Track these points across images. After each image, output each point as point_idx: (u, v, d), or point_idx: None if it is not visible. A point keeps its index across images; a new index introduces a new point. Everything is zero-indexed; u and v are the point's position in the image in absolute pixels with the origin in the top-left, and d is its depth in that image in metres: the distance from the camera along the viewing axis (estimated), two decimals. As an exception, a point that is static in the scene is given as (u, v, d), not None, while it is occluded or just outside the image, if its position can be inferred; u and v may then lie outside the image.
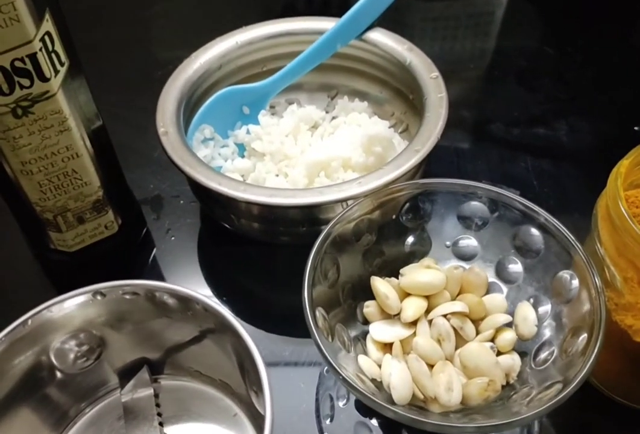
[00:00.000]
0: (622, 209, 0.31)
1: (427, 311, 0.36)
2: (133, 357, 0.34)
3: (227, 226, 0.44)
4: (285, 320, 0.42)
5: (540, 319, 0.36)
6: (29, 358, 0.30)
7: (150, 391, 0.34)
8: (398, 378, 0.33)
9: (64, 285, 0.44)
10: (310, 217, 0.40)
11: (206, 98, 0.47)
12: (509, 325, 0.36)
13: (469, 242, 0.39)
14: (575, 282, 0.34)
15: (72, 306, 0.30)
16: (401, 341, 0.36)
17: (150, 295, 0.31)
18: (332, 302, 0.36)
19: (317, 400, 0.39)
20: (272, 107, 0.50)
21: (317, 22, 0.49)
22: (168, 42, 0.64)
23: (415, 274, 0.37)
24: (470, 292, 0.38)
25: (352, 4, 0.46)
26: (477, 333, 0.36)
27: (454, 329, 0.36)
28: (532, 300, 0.37)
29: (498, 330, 0.36)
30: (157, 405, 0.34)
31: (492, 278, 0.38)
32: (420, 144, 0.40)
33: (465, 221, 0.39)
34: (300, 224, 0.41)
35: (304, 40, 0.48)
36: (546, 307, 0.36)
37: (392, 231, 0.39)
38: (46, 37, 0.32)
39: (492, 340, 0.36)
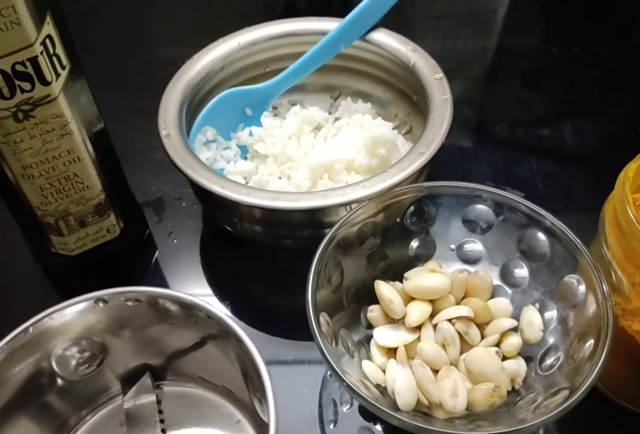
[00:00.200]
0: (630, 214, 0.30)
1: (432, 315, 0.36)
2: (135, 363, 0.34)
3: (229, 229, 0.44)
4: (289, 323, 0.41)
5: (546, 324, 0.36)
6: (30, 365, 0.30)
7: (152, 398, 0.34)
8: (402, 383, 0.33)
9: (65, 289, 0.44)
10: (313, 220, 0.40)
11: (208, 100, 0.46)
12: (514, 330, 0.36)
13: (474, 245, 0.39)
14: (582, 287, 0.34)
15: (74, 313, 0.30)
16: (405, 346, 0.35)
17: (152, 302, 0.30)
18: (335, 307, 0.36)
19: (320, 406, 0.38)
20: (274, 108, 0.50)
21: (320, 22, 0.48)
22: (169, 42, 0.63)
23: (420, 278, 0.37)
24: (475, 296, 0.37)
25: (353, 1, 0.46)
26: (482, 337, 0.36)
27: (459, 333, 0.35)
28: (537, 304, 0.36)
29: (503, 335, 0.36)
30: (160, 411, 0.34)
31: (497, 282, 0.38)
32: (425, 146, 0.40)
33: (470, 224, 0.39)
34: (304, 227, 0.41)
35: (307, 41, 0.48)
36: (552, 312, 0.36)
37: (396, 234, 0.39)
38: (47, 41, 0.32)
39: (498, 345, 0.36)
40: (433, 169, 0.46)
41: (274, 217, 0.40)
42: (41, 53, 0.32)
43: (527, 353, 0.36)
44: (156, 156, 0.50)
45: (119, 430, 0.34)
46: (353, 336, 0.36)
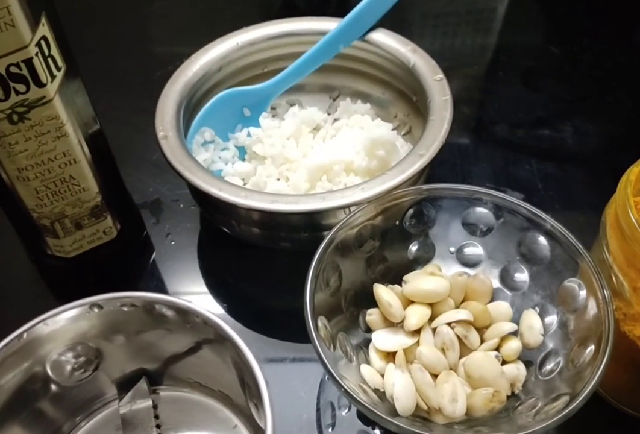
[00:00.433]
0: (632, 218, 0.30)
1: (431, 319, 0.36)
2: (131, 368, 0.33)
3: (227, 231, 0.43)
4: (287, 325, 0.41)
5: (546, 328, 0.35)
6: (23, 371, 0.30)
7: (149, 402, 0.33)
8: (401, 388, 0.33)
9: (61, 291, 0.44)
10: (312, 223, 0.40)
11: (206, 100, 0.46)
12: (514, 334, 0.36)
13: (474, 248, 0.39)
14: (582, 291, 0.34)
15: (68, 318, 0.30)
16: (404, 350, 0.35)
17: (148, 307, 0.30)
18: (334, 310, 0.35)
19: (318, 409, 0.38)
20: (273, 108, 0.50)
21: (319, 22, 0.48)
22: (167, 41, 0.63)
23: (419, 281, 0.37)
24: (474, 299, 0.37)
25: (352, 1, 0.45)
26: (482, 341, 0.36)
27: (458, 337, 0.35)
28: (537, 308, 0.36)
29: (503, 339, 0.36)
30: (156, 416, 0.34)
31: (497, 285, 0.38)
32: (425, 148, 0.40)
33: (470, 227, 0.38)
34: (302, 230, 0.41)
35: (306, 41, 0.47)
36: (552, 316, 0.36)
37: (395, 237, 0.38)
38: (42, 42, 0.32)
39: (497, 349, 0.36)
40: (432, 170, 0.46)
41: (272, 220, 0.40)
42: (36, 54, 0.31)
43: (527, 357, 0.35)
44: (153, 156, 0.49)
45: (114, 435, 0.34)
46: (351, 339, 0.36)
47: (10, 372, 0.29)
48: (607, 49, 0.60)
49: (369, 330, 0.37)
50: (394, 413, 0.33)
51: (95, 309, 0.30)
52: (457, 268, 0.39)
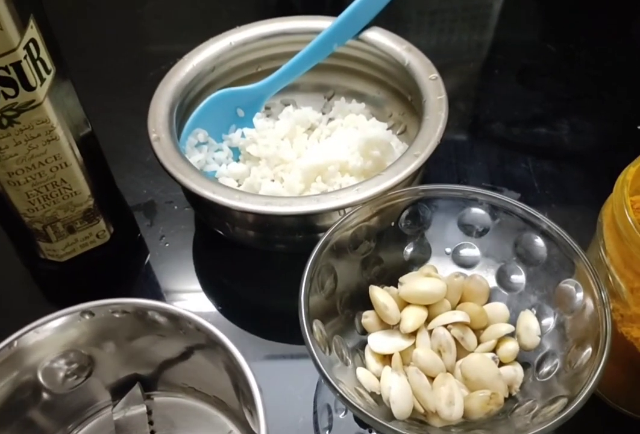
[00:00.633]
0: (629, 220, 0.30)
1: (427, 321, 0.36)
2: (124, 374, 0.33)
3: (221, 233, 0.43)
4: (282, 327, 0.41)
5: (543, 329, 0.35)
6: (14, 380, 0.29)
7: (143, 409, 0.33)
8: (398, 391, 0.33)
9: (55, 295, 0.44)
10: (306, 225, 0.40)
11: (199, 101, 0.45)
12: (511, 335, 0.36)
13: (470, 249, 0.38)
14: (579, 292, 0.33)
15: (59, 326, 0.29)
16: (401, 353, 0.35)
17: (140, 313, 0.30)
18: (329, 313, 0.35)
19: (315, 412, 0.38)
20: (267, 108, 0.49)
21: (313, 21, 0.48)
22: (160, 41, 0.63)
23: (415, 283, 0.36)
24: (471, 300, 0.37)
25: (347, -3, 0.45)
26: (479, 342, 0.36)
27: (455, 339, 0.35)
28: (534, 309, 0.36)
29: (500, 340, 0.35)
30: (150, 422, 0.33)
31: (493, 286, 0.38)
32: (420, 148, 0.39)
33: (466, 227, 0.38)
34: (297, 232, 0.40)
35: (300, 40, 0.47)
36: (549, 317, 0.35)
37: (390, 238, 0.38)
38: (31, 45, 0.31)
39: (494, 350, 0.35)
40: (428, 169, 0.45)
41: (266, 222, 0.40)
42: (24, 58, 0.31)
43: (524, 358, 0.35)
44: (147, 158, 0.49)
45: (108, 442, 0.33)
46: (347, 342, 0.36)
47: (1, 381, 0.29)
48: (604, 46, 0.60)
49: (364, 332, 0.36)
50: (390, 416, 0.32)
51: (87, 316, 0.29)
52: (454, 269, 0.38)
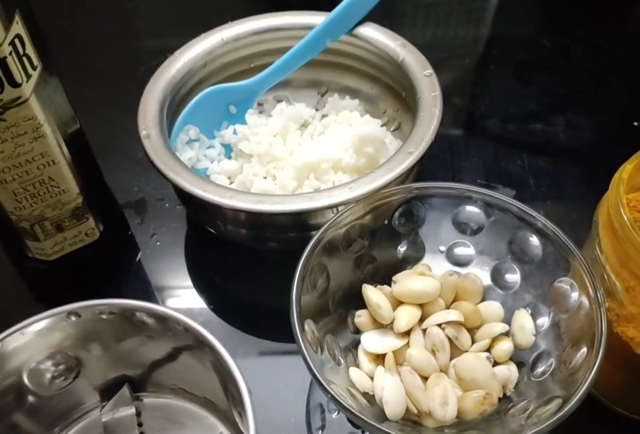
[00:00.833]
0: (625, 218, 0.29)
1: (421, 320, 0.35)
2: (113, 374, 0.33)
3: (213, 231, 0.42)
4: (275, 325, 0.40)
5: (537, 329, 0.35)
6: (-2, 383, 0.29)
7: (132, 410, 0.32)
8: (391, 392, 0.32)
9: (44, 294, 0.43)
10: (299, 223, 0.39)
11: (190, 98, 0.45)
12: (506, 334, 0.35)
13: (464, 247, 0.38)
14: (574, 291, 0.33)
15: (45, 327, 0.29)
16: (394, 352, 0.34)
17: (127, 314, 0.29)
18: (321, 312, 0.35)
19: (307, 412, 0.38)
20: (259, 104, 0.49)
21: (306, 16, 0.47)
22: (152, 35, 0.62)
23: (409, 281, 0.36)
24: (465, 299, 0.36)
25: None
26: (473, 342, 0.35)
27: (449, 338, 0.34)
28: (529, 308, 0.36)
29: (494, 339, 0.35)
30: (140, 424, 0.33)
31: (488, 284, 0.37)
32: (414, 145, 0.39)
33: (460, 225, 0.38)
34: (289, 230, 0.40)
35: (293, 35, 0.46)
36: (544, 316, 0.35)
37: (384, 236, 0.38)
38: (16, 40, 0.31)
39: (489, 350, 0.35)
40: (422, 166, 0.45)
41: (258, 220, 0.39)
42: (10, 54, 0.30)
43: (519, 358, 0.35)
44: (137, 155, 0.48)
45: (96, 445, 0.33)
46: (340, 342, 0.35)
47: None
48: (601, 41, 0.60)
49: (357, 332, 0.36)
50: (383, 417, 0.32)
51: (73, 318, 0.29)
52: (448, 267, 0.38)
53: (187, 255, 0.45)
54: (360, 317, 0.36)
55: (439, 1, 0.65)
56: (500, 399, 0.33)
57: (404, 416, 0.32)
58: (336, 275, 0.36)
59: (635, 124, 0.52)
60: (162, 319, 0.29)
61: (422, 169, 0.45)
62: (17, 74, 0.31)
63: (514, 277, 0.37)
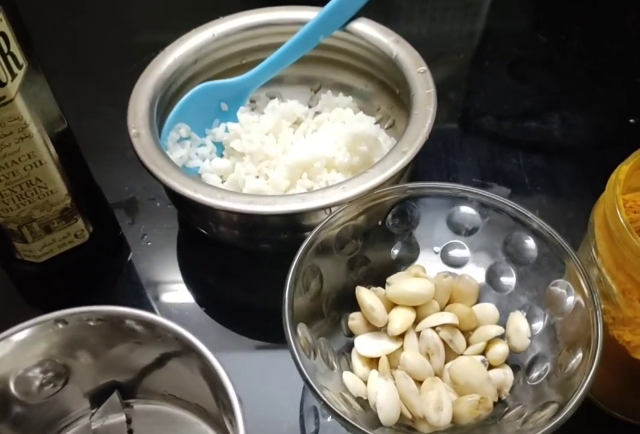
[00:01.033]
0: (622, 220, 0.29)
1: (416, 322, 0.35)
2: (102, 381, 0.32)
3: (205, 232, 0.42)
4: (267, 328, 0.39)
5: (533, 331, 0.34)
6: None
7: (122, 417, 0.32)
8: (385, 397, 0.32)
9: (34, 296, 0.42)
10: (291, 224, 0.38)
11: (181, 95, 0.44)
12: (501, 337, 0.35)
13: (459, 248, 0.38)
14: (570, 293, 0.33)
15: (32, 335, 0.28)
16: (388, 356, 0.34)
17: (115, 321, 0.28)
18: (314, 315, 0.34)
19: (301, 416, 0.37)
20: (252, 101, 0.48)
21: (298, 11, 0.46)
22: (143, 31, 0.61)
23: (403, 283, 0.35)
24: (460, 301, 0.36)
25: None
26: (468, 344, 0.35)
27: (443, 341, 0.34)
28: (524, 311, 0.35)
29: (489, 342, 0.35)
30: (130, 431, 0.32)
31: (483, 285, 0.37)
32: (408, 144, 0.38)
33: (455, 226, 0.37)
34: (282, 231, 0.39)
35: (285, 31, 0.46)
36: (539, 319, 0.35)
37: (377, 237, 0.37)
38: (0, 39, 0.30)
39: (483, 353, 0.35)
40: (416, 165, 0.44)
41: (250, 222, 0.39)
42: (-7, 52, 0.30)
43: (514, 361, 0.35)
44: (128, 153, 0.47)
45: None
46: (333, 345, 0.35)
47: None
48: (597, 37, 0.59)
49: (351, 335, 0.36)
50: (377, 422, 0.32)
51: (60, 325, 0.28)
52: (442, 269, 0.38)
53: (179, 256, 0.45)
54: (354, 320, 0.35)
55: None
56: (495, 404, 0.33)
57: (398, 421, 0.32)
58: (329, 277, 0.35)
59: (632, 121, 0.51)
60: (150, 325, 0.28)
61: (416, 168, 0.45)
62: (2, 73, 0.30)
63: (509, 279, 0.36)
